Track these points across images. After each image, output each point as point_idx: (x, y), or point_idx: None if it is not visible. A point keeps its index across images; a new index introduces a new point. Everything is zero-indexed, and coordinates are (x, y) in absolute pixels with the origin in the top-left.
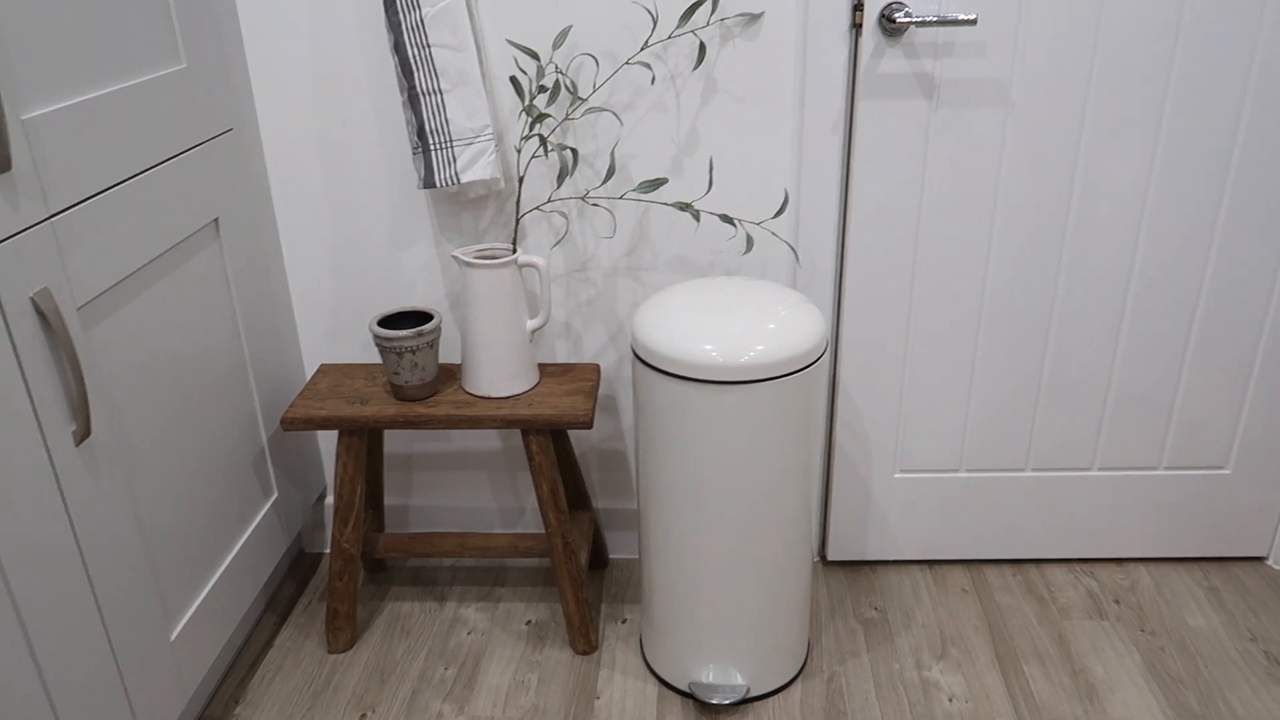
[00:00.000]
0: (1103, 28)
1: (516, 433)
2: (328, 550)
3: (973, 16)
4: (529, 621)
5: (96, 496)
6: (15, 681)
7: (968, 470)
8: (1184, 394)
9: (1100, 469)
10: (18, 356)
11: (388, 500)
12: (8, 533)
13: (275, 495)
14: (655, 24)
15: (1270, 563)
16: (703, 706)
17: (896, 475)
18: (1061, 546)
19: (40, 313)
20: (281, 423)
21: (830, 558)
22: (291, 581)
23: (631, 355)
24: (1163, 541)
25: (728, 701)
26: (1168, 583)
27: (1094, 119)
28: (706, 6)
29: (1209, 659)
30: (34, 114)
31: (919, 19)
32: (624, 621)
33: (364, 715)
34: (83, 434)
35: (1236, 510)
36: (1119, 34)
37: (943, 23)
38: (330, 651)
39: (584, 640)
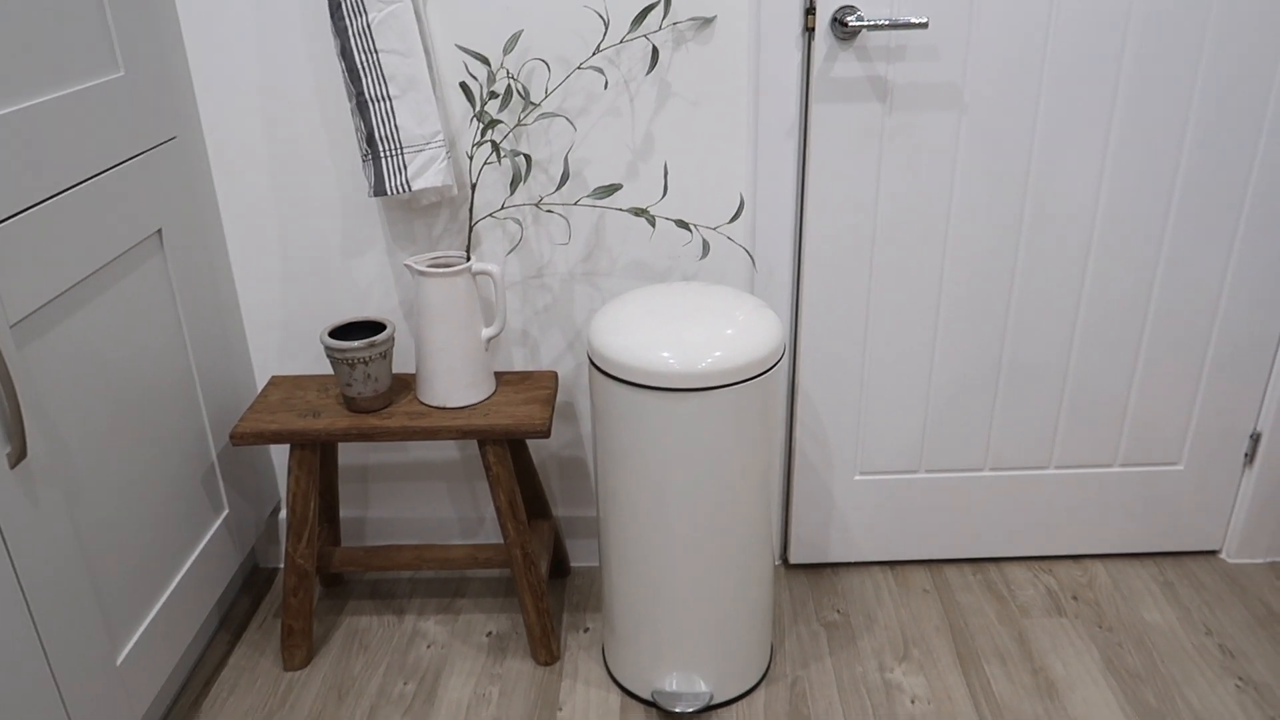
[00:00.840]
0: (1052, 31)
1: (474, 442)
2: (283, 565)
3: (924, 20)
4: (490, 633)
5: (34, 520)
6: None
7: (927, 471)
8: (1137, 392)
9: (1057, 467)
10: None
11: (343, 513)
12: None
13: (226, 511)
14: (607, 28)
15: (1223, 556)
16: (666, 715)
17: (857, 477)
18: (1020, 545)
19: None
20: (231, 438)
21: (792, 560)
22: (245, 598)
23: (589, 363)
24: (1119, 538)
25: (691, 710)
26: (1124, 579)
27: (1046, 121)
28: (658, 10)
29: (1165, 654)
30: None
31: (871, 22)
32: (586, 630)
33: None
34: (18, 456)
35: (1190, 505)
36: (1069, 37)
37: (894, 26)
38: (286, 669)
39: (546, 651)
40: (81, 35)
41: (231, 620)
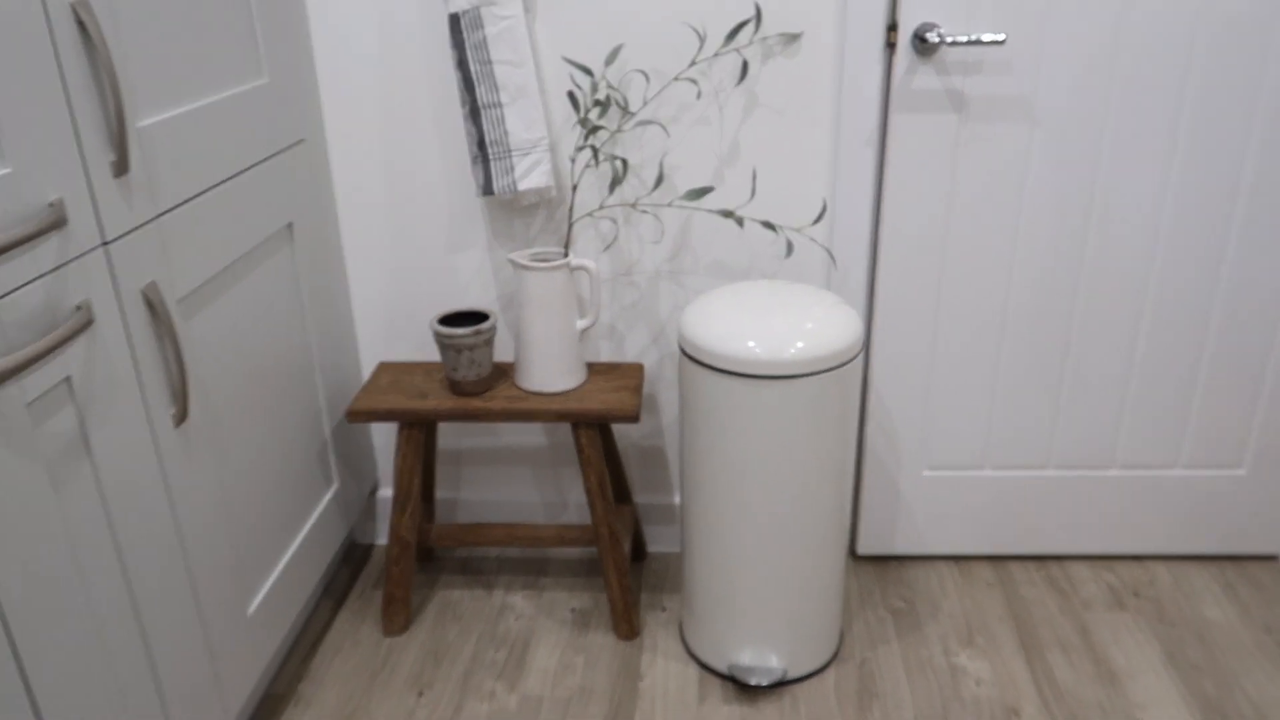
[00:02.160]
0: (1120, 49)
1: (561, 429)
2: (378, 542)
3: (1001, 38)
4: (573, 609)
5: (191, 475)
6: (122, 642)
7: (992, 469)
8: (1200, 397)
9: (1119, 468)
10: (131, 344)
11: (438, 494)
12: (118, 507)
13: (336, 485)
14: (702, 43)
15: None
16: (741, 687)
17: (924, 473)
18: (1082, 543)
19: (149, 304)
20: (347, 415)
21: (860, 552)
22: (345, 570)
23: (678, 353)
24: (1180, 539)
25: (765, 683)
26: (1185, 578)
27: (1113, 134)
28: (750, 26)
29: (1226, 649)
30: (146, 123)
31: (950, 39)
32: (664, 610)
33: (421, 693)
34: (180, 417)
35: (1251, 510)
36: (1135, 55)
37: (972, 43)
38: (386, 634)
39: (627, 625)
40: (237, 46)
41: (333, 590)
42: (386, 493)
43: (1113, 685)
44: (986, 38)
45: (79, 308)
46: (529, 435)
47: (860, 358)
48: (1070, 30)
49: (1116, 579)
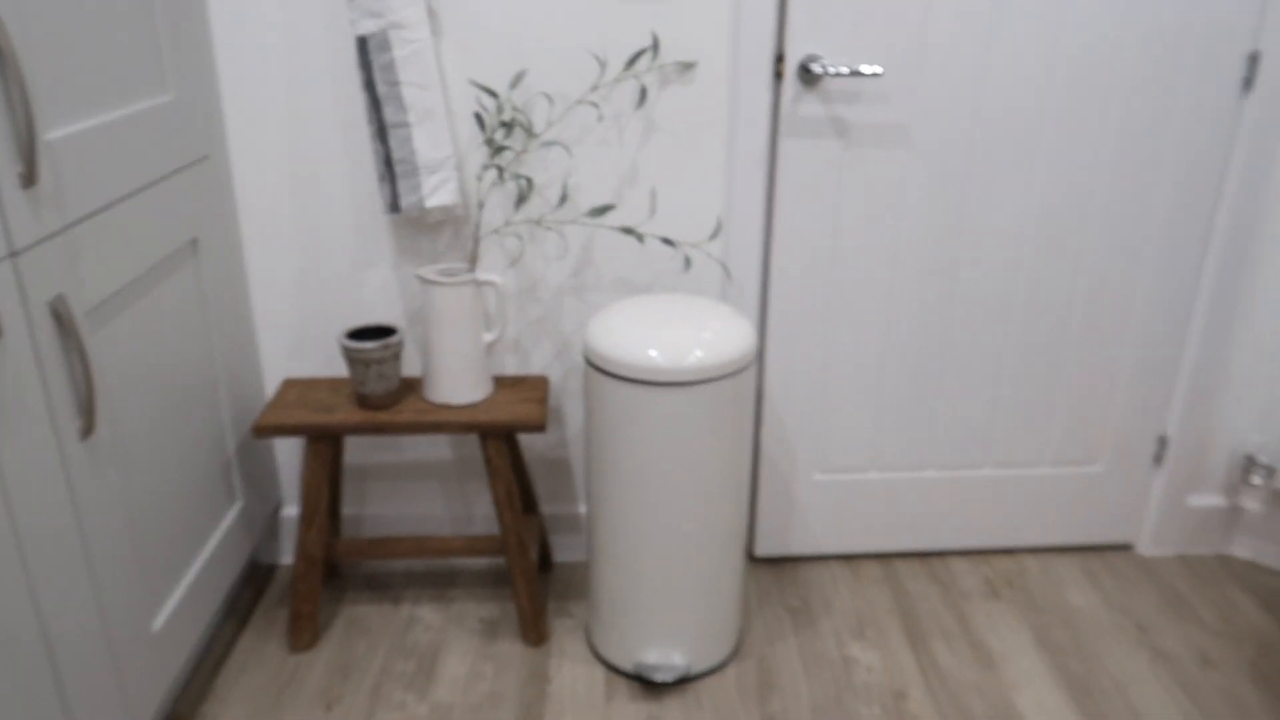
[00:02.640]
0: (985, 82)
1: (467, 443)
2: (282, 561)
3: (879, 70)
4: (482, 619)
5: (97, 489)
6: (27, 657)
7: (879, 471)
8: (1062, 400)
9: (992, 468)
10: (38, 356)
11: (343, 510)
12: (24, 519)
13: (240, 503)
14: (603, 69)
15: (1138, 550)
16: (647, 685)
17: (816, 477)
18: (961, 539)
19: (57, 316)
20: (254, 430)
21: (758, 554)
22: (249, 590)
23: (583, 365)
24: (1047, 532)
25: (670, 679)
26: (1052, 568)
27: (981, 158)
28: (648, 54)
29: (1089, 631)
30: (54, 135)
31: (833, 71)
32: (570, 617)
33: (330, 707)
34: (87, 430)
35: (1108, 503)
36: (999, 87)
37: (853, 74)
38: (292, 651)
39: (536, 632)
40: (142, 62)
41: (237, 610)
42: (290, 512)
43: (990, 668)
44: (866, 70)
45: None
46: (435, 449)
47: (755, 366)
48: (941, 64)
49: (992, 571)
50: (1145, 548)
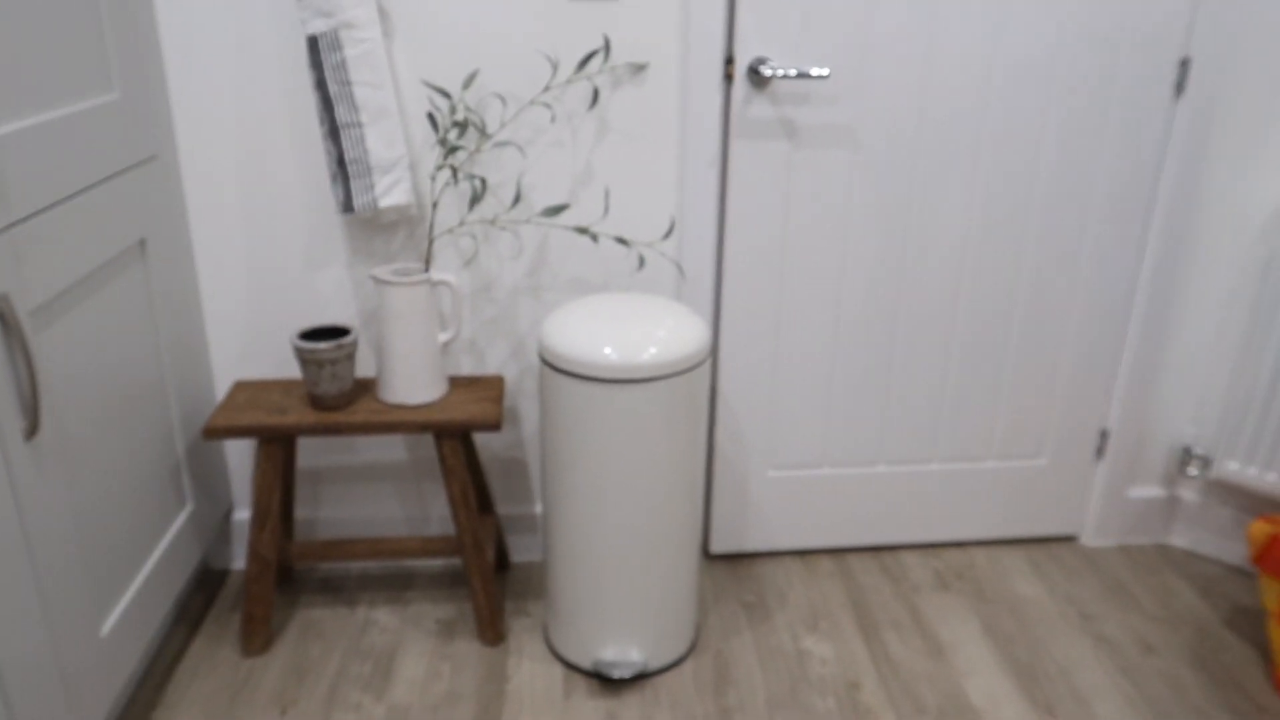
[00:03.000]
0: (929, 84)
1: (423, 444)
2: (234, 566)
3: (826, 72)
4: (438, 620)
5: (42, 490)
6: None
7: (830, 467)
8: (1005, 396)
9: (940, 462)
10: None
11: (296, 513)
12: None
13: (190, 506)
14: (555, 70)
15: (1081, 541)
16: (605, 681)
17: (770, 473)
18: (911, 533)
19: (0, 315)
20: (204, 432)
21: (713, 551)
22: (200, 595)
23: (539, 364)
24: (994, 525)
25: (628, 675)
26: (999, 560)
27: (925, 158)
28: (599, 56)
29: (1035, 620)
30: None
31: (781, 73)
32: (528, 616)
33: (285, 710)
34: (31, 430)
35: (1052, 496)
36: (942, 89)
37: (801, 77)
38: (245, 655)
39: (493, 631)
40: (86, 61)
41: (188, 615)
42: (242, 515)
43: (940, 657)
44: (814, 72)
45: None
46: (390, 450)
47: (708, 363)
48: (886, 67)
49: (941, 564)
50: (1088, 539)
